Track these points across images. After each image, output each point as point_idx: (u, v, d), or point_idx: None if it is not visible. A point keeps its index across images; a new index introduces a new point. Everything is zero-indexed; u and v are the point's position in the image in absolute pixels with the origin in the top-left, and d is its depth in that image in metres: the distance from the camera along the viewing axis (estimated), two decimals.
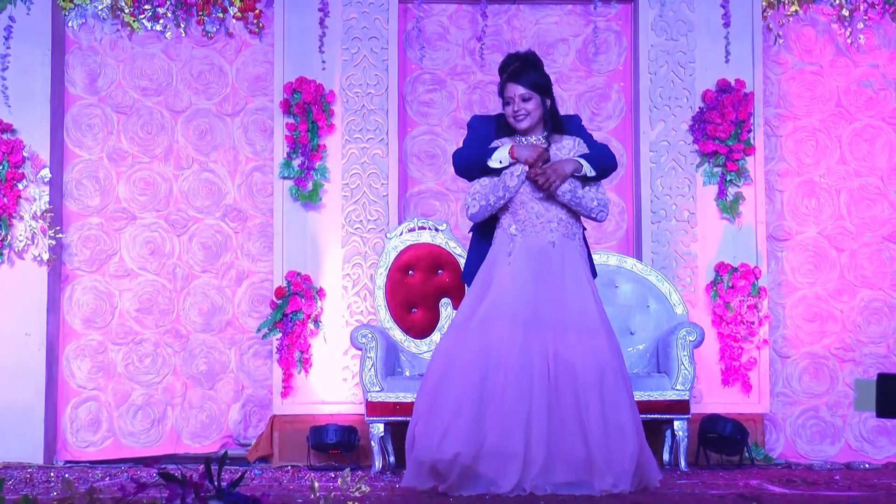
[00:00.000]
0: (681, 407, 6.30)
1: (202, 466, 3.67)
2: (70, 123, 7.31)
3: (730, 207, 7.04)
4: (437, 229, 6.83)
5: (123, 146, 7.34)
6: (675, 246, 7.06)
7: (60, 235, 7.16)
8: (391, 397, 6.26)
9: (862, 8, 7.31)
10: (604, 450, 4.73)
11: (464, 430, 4.71)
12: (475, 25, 7.35)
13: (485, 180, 5.13)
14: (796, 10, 7.34)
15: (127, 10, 7.27)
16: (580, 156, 5.10)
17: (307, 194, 7.00)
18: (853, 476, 6.03)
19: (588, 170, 5.05)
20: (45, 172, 7.06)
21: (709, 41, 7.15)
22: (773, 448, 7.12)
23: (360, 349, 6.36)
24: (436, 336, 6.72)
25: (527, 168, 5.04)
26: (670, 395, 6.29)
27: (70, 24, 7.31)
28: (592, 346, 4.87)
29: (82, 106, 7.34)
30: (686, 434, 6.32)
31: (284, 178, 7.03)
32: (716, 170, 7.07)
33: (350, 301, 7.04)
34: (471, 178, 5.24)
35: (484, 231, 5.27)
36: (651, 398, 6.26)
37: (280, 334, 6.93)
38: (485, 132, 5.29)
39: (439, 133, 7.33)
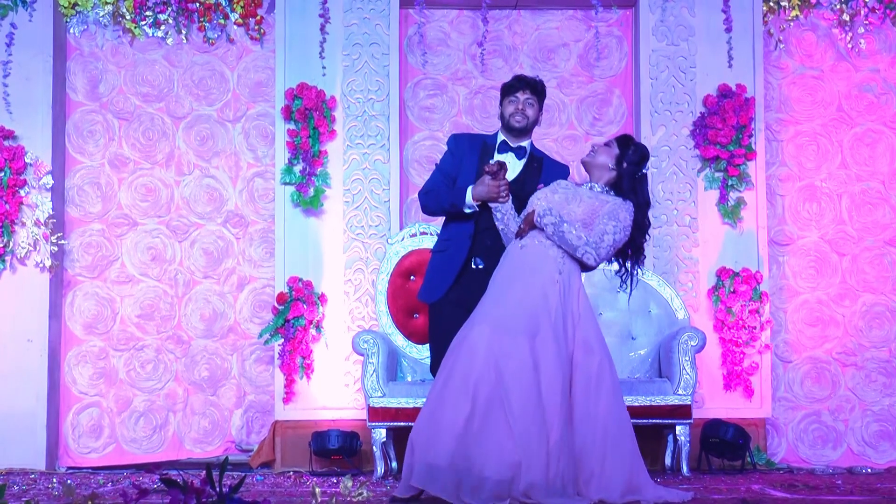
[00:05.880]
0: (683, 412, 6.30)
1: (204, 472, 3.67)
2: (72, 130, 7.32)
3: (731, 212, 7.04)
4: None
5: (125, 152, 7.35)
6: (676, 251, 7.07)
7: (62, 242, 7.17)
8: (393, 403, 6.26)
9: (862, 13, 7.32)
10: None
11: None
12: (476, 31, 7.36)
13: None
14: (797, 15, 7.34)
15: (128, 17, 7.28)
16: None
17: (308, 200, 7.01)
18: (855, 481, 6.03)
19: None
20: (47, 179, 7.06)
21: (710, 46, 7.16)
22: (775, 453, 7.12)
23: (362, 355, 6.36)
24: None
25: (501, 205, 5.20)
26: (672, 400, 6.29)
27: (72, 30, 7.32)
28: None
29: (84, 112, 7.35)
30: (688, 439, 6.31)
31: (286, 184, 7.03)
32: (717, 175, 7.07)
33: (352, 306, 7.04)
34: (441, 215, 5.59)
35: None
36: (653, 403, 6.26)
37: (282, 340, 6.94)
38: (459, 153, 5.42)
39: (440, 138, 7.32)
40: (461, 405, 4.66)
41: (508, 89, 5.50)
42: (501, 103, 5.54)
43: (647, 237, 5.18)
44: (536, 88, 5.48)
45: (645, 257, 5.23)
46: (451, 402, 4.68)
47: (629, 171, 5.09)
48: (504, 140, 5.51)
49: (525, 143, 5.49)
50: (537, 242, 4.98)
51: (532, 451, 4.62)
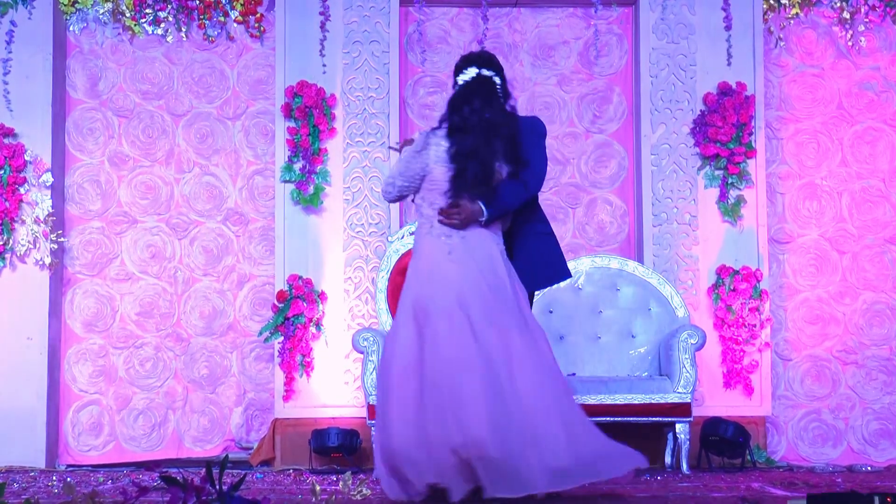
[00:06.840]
0: (683, 410, 6.30)
1: (203, 470, 3.67)
2: (71, 127, 7.32)
3: (731, 210, 7.04)
4: None
5: (124, 150, 7.35)
6: (676, 249, 7.06)
7: (62, 239, 7.17)
8: None
9: (863, 10, 7.32)
10: None
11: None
12: (476, 28, 7.36)
13: None
14: (797, 13, 7.34)
15: (128, 14, 7.28)
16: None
17: (308, 198, 7.01)
18: (855, 479, 6.03)
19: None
20: (47, 177, 7.06)
21: (710, 44, 7.16)
22: (774, 451, 7.12)
23: (362, 352, 6.36)
24: None
25: None
26: (672, 398, 6.29)
27: (71, 28, 7.32)
28: None
29: (84, 110, 7.34)
30: (688, 437, 6.32)
31: (286, 181, 7.03)
32: (717, 173, 7.07)
33: (351, 304, 7.04)
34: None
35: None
36: (653, 401, 6.26)
37: (282, 338, 6.94)
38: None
39: None
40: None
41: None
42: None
43: (477, 160, 4.67)
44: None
45: (484, 176, 4.65)
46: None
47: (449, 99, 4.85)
48: None
49: None
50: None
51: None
